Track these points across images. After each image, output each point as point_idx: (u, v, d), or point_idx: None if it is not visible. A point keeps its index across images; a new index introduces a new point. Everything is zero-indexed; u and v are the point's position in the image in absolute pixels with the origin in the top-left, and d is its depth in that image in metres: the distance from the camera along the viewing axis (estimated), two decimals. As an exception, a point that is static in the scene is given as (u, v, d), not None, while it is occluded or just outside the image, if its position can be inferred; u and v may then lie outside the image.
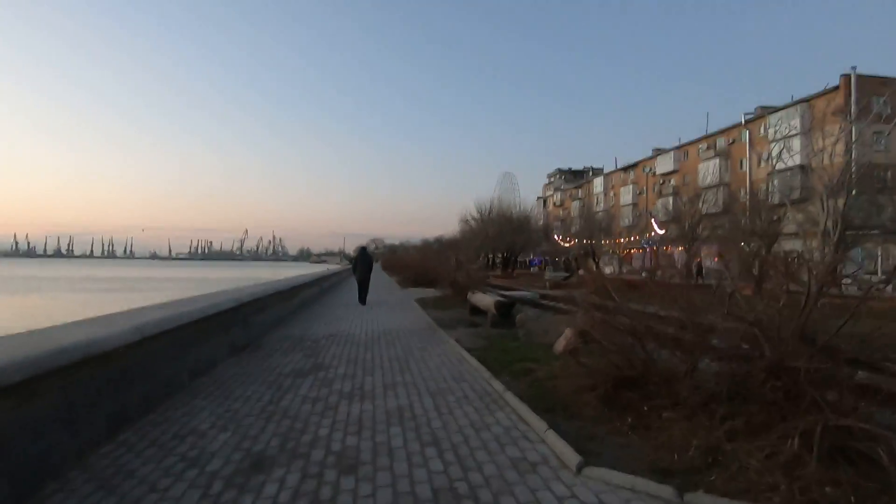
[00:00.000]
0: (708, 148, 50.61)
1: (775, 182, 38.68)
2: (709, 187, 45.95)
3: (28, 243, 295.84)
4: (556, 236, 49.52)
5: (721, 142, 49.27)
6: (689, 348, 3.98)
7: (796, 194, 27.94)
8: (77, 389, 3.08)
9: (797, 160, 33.45)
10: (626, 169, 68.48)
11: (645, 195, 61.90)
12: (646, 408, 3.75)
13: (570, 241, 52.77)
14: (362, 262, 14.71)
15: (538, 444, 3.36)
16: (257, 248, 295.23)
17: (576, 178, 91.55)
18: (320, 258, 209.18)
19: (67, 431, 2.98)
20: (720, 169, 47.71)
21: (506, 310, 8.89)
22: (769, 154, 41.91)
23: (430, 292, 17.66)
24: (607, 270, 46.69)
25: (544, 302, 15.07)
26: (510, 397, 4.31)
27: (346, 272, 35.04)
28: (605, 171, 77.65)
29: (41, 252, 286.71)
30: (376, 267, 24.63)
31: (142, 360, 3.91)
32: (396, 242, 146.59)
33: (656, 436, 3.35)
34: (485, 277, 20.33)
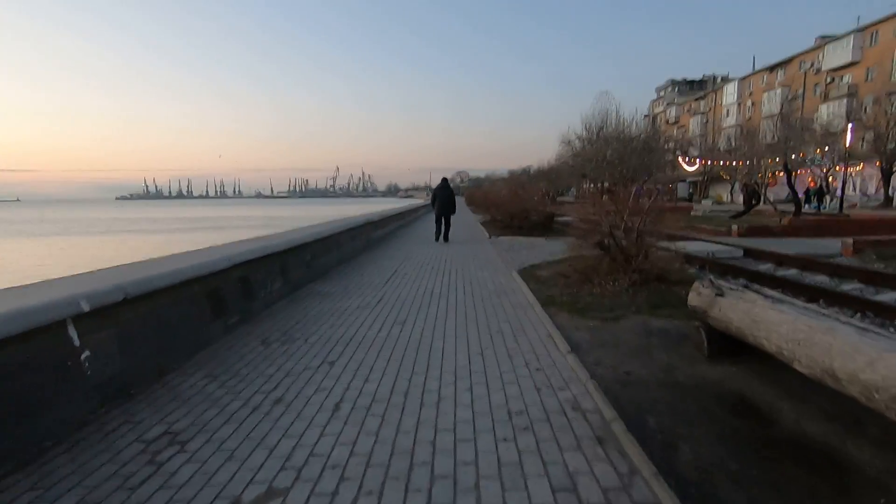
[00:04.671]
0: (916, 23, 36.00)
1: None
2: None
3: (156, 186, 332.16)
4: (682, 158, 39.48)
5: (941, 11, 34.51)
6: None
7: None
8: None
9: None
10: (772, 69, 53.67)
11: (800, 100, 47.91)
12: None
13: (697, 164, 42.26)
14: (442, 196, 12.90)
15: None
16: (348, 186, 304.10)
17: (693, 89, 76.09)
18: (408, 192, 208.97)
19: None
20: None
21: None
22: None
23: (535, 249, 11.12)
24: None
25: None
26: None
27: (420, 210, 29.41)
28: (732, 77, 62.23)
29: (166, 194, 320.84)
30: (460, 202, 19.27)
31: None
32: (482, 175, 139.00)
33: None
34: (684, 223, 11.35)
